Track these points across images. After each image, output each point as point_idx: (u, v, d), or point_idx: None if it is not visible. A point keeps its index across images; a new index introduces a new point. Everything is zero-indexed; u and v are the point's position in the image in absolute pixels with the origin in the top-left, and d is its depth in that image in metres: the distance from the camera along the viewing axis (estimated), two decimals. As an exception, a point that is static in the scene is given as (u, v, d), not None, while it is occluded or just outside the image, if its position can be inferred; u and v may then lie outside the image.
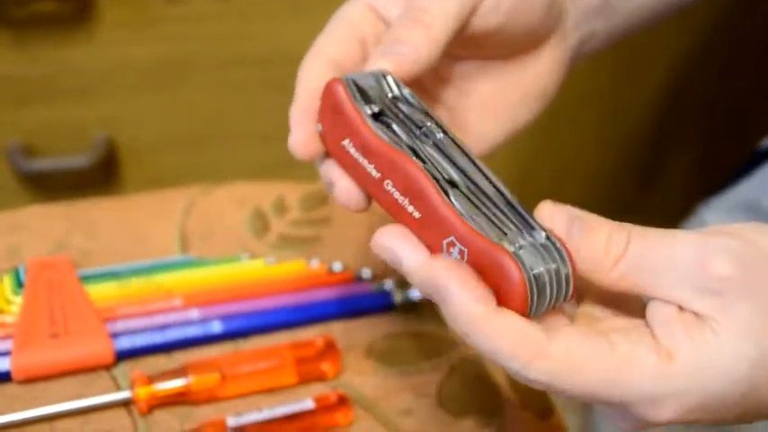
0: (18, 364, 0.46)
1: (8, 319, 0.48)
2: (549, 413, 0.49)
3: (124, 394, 0.45)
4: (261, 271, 0.54)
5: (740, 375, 0.31)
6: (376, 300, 0.53)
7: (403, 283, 0.53)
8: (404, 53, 0.37)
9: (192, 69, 0.88)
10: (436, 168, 0.33)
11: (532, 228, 0.32)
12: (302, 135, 0.38)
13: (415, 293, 0.53)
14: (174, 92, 0.89)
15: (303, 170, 0.95)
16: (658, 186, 1.19)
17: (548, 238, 0.31)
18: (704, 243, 0.32)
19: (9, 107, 0.85)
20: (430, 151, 0.34)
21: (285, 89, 1.01)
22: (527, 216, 0.32)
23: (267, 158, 0.94)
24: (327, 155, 0.38)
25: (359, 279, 0.54)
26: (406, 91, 0.36)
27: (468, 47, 0.42)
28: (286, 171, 0.95)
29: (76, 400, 0.45)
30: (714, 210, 0.72)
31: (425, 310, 0.53)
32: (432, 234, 0.33)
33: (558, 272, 0.31)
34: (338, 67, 0.39)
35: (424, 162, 0.33)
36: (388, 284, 0.53)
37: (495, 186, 0.33)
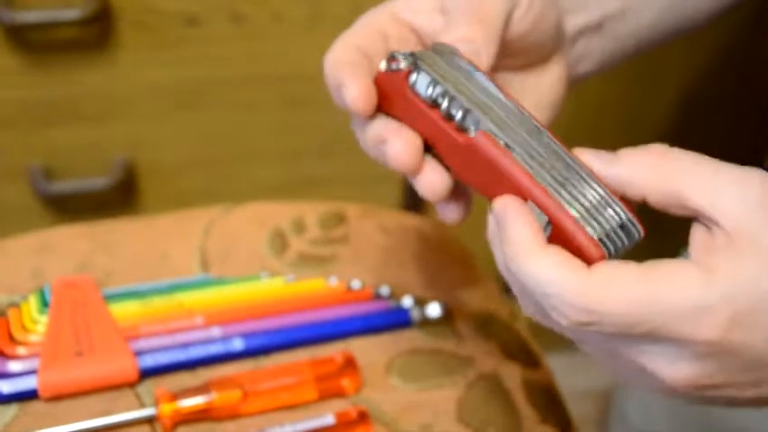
0: (44, 382, 0.46)
1: (34, 338, 0.49)
2: (567, 428, 0.49)
3: (148, 411, 0.46)
4: (280, 289, 0.54)
5: None
6: (394, 317, 0.53)
7: (421, 300, 0.54)
8: (473, 53, 0.38)
9: (211, 91, 0.89)
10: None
11: (588, 182, 0.34)
12: (361, 87, 0.38)
13: (432, 310, 0.53)
14: (193, 113, 0.90)
15: (322, 187, 0.96)
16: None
17: (606, 192, 0.34)
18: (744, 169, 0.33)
19: (31, 130, 0.87)
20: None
21: (303, 108, 1.02)
22: (581, 172, 0.35)
23: (286, 177, 0.95)
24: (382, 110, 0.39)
25: (377, 296, 0.55)
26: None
27: None
28: (305, 189, 0.96)
29: (102, 417, 0.46)
30: None
31: (443, 327, 0.53)
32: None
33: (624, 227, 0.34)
34: (363, 53, 0.39)
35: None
36: (407, 302, 0.54)
37: (553, 148, 0.35)
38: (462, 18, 0.40)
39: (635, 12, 0.49)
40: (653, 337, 0.32)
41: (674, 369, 0.33)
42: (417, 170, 0.38)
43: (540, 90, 0.46)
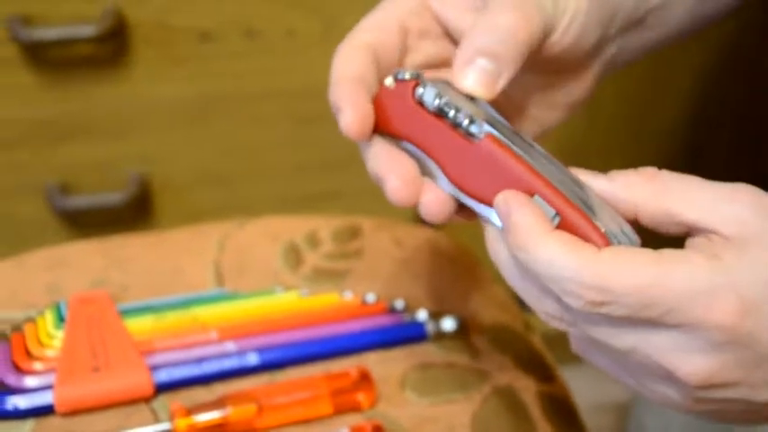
0: (61, 397, 0.47)
1: (50, 353, 0.49)
2: (583, 442, 0.49)
3: (164, 426, 0.46)
4: (295, 303, 0.55)
5: None
6: (409, 330, 0.53)
7: (435, 314, 0.54)
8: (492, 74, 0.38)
9: (225, 106, 0.89)
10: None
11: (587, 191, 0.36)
12: (357, 114, 0.37)
13: (447, 324, 0.53)
14: (206, 128, 0.90)
15: (336, 201, 0.96)
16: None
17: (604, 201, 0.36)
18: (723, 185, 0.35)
19: (47, 146, 0.87)
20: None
21: (316, 122, 1.02)
22: (580, 183, 0.36)
23: (300, 191, 0.95)
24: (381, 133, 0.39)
25: (392, 310, 0.55)
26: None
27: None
28: (319, 203, 0.96)
29: (117, 432, 0.46)
30: None
31: (458, 340, 0.53)
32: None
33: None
34: (374, 55, 0.39)
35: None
36: (421, 315, 0.54)
37: (554, 162, 0.37)
38: (500, 6, 0.38)
39: (672, 2, 0.48)
40: (665, 323, 0.32)
41: (687, 362, 0.33)
42: (415, 203, 0.38)
43: (559, 92, 0.45)
